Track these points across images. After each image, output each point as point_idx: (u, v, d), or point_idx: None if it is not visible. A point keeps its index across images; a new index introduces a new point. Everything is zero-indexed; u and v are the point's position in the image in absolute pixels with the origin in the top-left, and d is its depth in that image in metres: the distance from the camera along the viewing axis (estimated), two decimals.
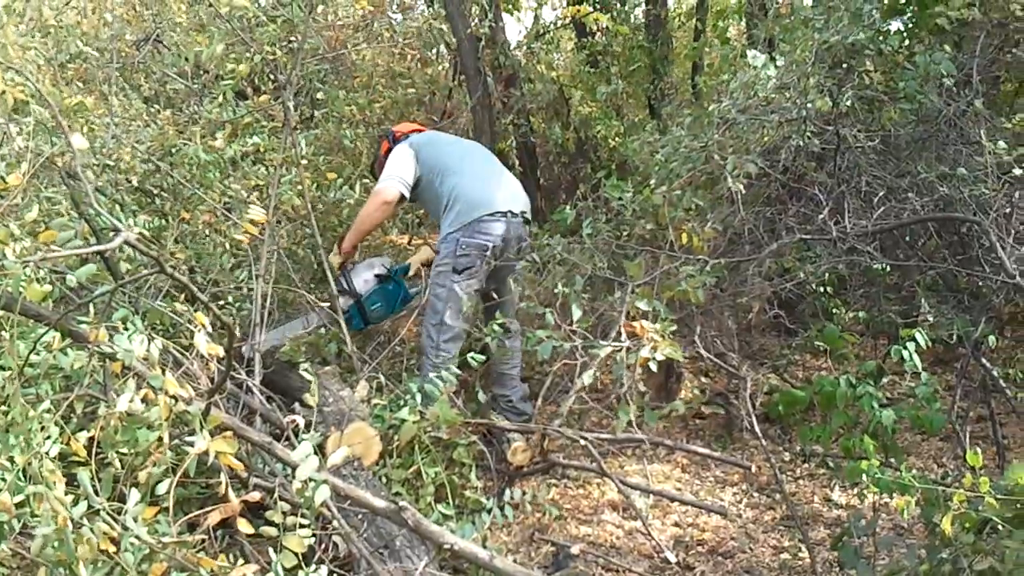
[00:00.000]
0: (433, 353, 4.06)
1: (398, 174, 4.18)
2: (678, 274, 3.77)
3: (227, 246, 3.90)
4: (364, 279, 4.31)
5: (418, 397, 3.45)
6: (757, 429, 3.54)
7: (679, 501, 3.77)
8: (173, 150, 4.00)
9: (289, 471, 2.27)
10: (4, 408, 2.40)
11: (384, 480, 3.28)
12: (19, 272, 1.98)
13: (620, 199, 4.11)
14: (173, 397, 2.03)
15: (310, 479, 2.04)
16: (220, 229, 3.90)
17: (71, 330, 2.24)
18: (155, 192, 3.96)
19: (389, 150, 4.40)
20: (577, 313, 3.23)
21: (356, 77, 7.17)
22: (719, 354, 4.09)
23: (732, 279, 4.31)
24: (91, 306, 2.47)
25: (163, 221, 3.84)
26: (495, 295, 4.20)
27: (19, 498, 1.73)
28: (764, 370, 4.91)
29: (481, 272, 4.09)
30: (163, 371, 2.13)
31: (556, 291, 3.81)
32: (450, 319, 4.06)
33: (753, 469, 4.06)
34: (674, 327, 3.17)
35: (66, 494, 1.81)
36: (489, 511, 3.28)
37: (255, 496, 2.17)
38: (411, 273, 4.51)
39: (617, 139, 7.58)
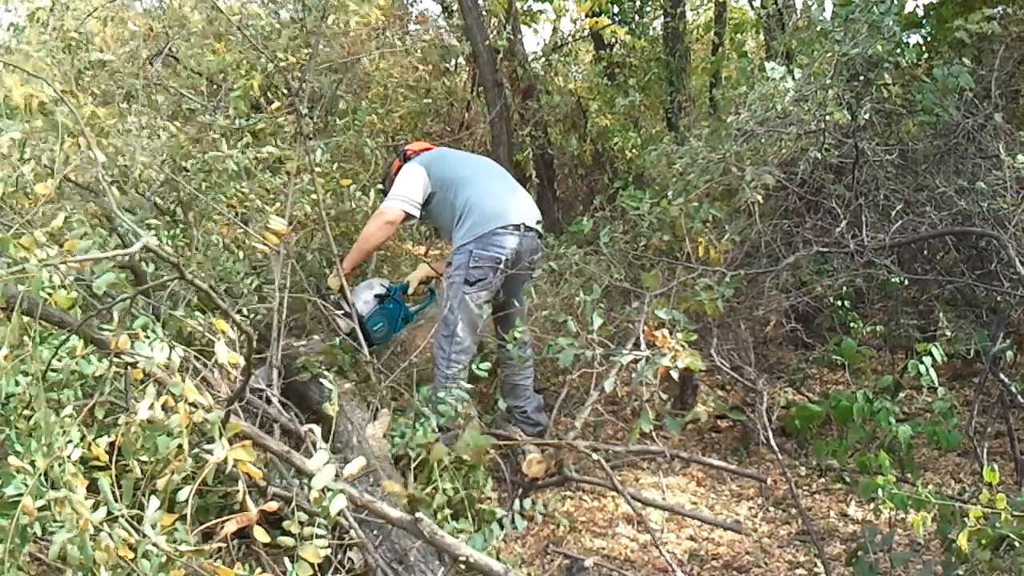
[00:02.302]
0: (444, 364, 4.07)
1: (404, 193, 4.17)
2: (695, 286, 3.77)
3: (241, 255, 3.92)
4: (364, 300, 4.26)
5: (432, 418, 3.45)
6: (773, 443, 3.53)
7: (693, 518, 3.76)
8: (188, 161, 4.02)
9: (306, 480, 2.28)
10: (27, 412, 2.43)
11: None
12: (41, 277, 1.99)
13: (637, 209, 4.12)
14: (193, 405, 2.04)
15: (326, 488, 2.05)
16: (237, 239, 3.92)
17: (93, 337, 2.26)
18: (171, 204, 3.99)
19: (400, 168, 4.40)
20: (597, 321, 3.23)
21: (371, 87, 7.23)
22: (735, 367, 4.08)
23: (749, 292, 4.31)
24: (114, 313, 2.49)
25: (178, 231, 3.87)
26: (506, 307, 4.21)
27: (41, 502, 1.75)
28: (780, 384, 4.89)
29: (493, 284, 4.09)
30: (183, 379, 2.15)
31: (574, 301, 3.82)
32: (462, 331, 4.07)
33: (769, 483, 4.06)
34: (694, 336, 3.17)
35: (86, 499, 1.82)
36: (501, 523, 3.28)
37: (272, 506, 2.18)
38: (410, 291, 4.48)
39: (634, 151, 7.59)
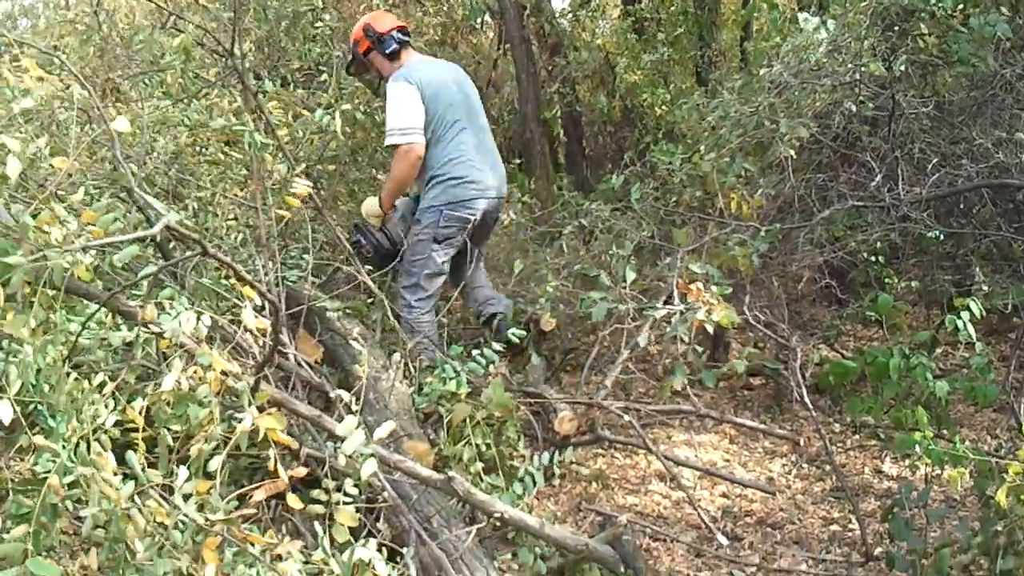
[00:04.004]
0: (407, 312, 4.12)
1: (408, 125, 4.04)
2: (727, 241, 3.73)
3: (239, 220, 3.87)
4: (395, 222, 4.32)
5: (462, 373, 3.48)
6: (807, 400, 3.50)
7: (726, 479, 3.75)
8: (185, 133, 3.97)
9: (338, 443, 2.28)
10: (53, 386, 2.45)
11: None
12: (61, 260, 1.99)
13: (669, 164, 4.06)
14: (223, 373, 2.05)
15: (357, 452, 2.05)
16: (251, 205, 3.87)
17: (120, 309, 2.27)
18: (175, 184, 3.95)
19: (370, 49, 4.24)
20: (630, 275, 3.20)
21: None
22: (768, 324, 4.04)
23: (782, 247, 4.26)
24: (142, 285, 2.50)
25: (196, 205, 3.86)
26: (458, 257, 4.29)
27: (70, 478, 1.76)
28: (814, 340, 4.84)
29: (459, 242, 4.15)
30: (211, 347, 2.15)
31: (603, 258, 3.79)
32: (425, 282, 4.13)
33: (802, 441, 4.03)
34: (728, 290, 3.13)
35: (117, 473, 1.83)
36: (534, 479, 3.28)
37: (302, 472, 2.18)
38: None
39: (663, 107, 7.50)
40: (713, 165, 3.95)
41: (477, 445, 3.33)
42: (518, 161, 7.12)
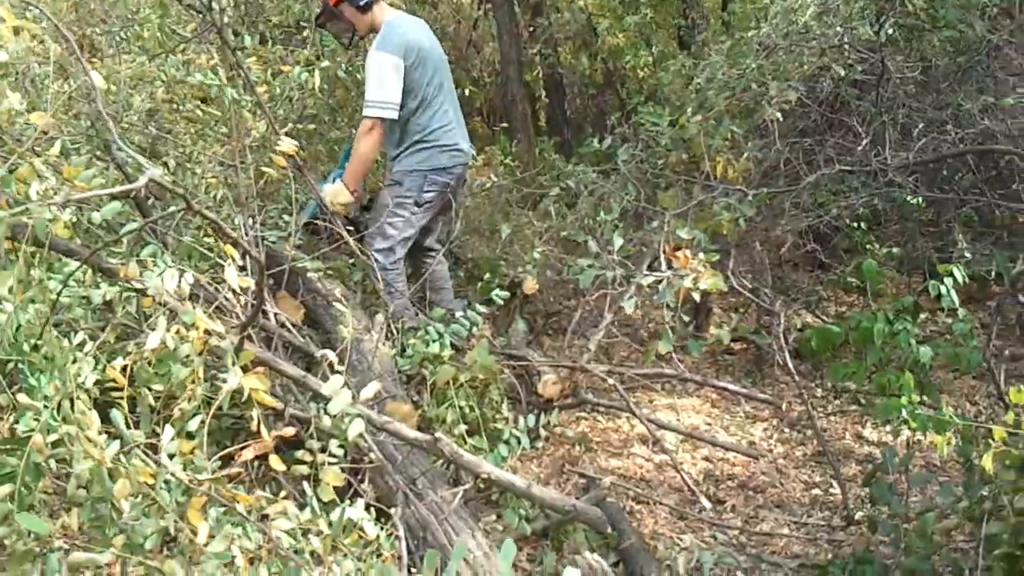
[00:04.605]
0: (382, 273, 3.99)
1: (383, 98, 3.90)
2: (713, 205, 3.70)
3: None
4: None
5: (446, 335, 3.46)
6: (791, 365, 3.50)
7: (710, 443, 3.76)
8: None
9: (323, 404, 2.25)
10: (38, 343, 2.40)
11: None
12: (43, 215, 1.94)
13: (656, 126, 4.01)
14: (207, 332, 2.00)
15: (343, 412, 2.02)
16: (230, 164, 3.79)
17: (102, 266, 2.21)
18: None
19: (340, 1, 4.04)
20: (618, 241, 3.16)
21: None
22: (751, 289, 4.03)
23: (767, 212, 4.24)
24: (123, 242, 2.45)
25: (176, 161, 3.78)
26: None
27: (53, 437, 1.71)
28: (796, 306, 4.85)
29: (436, 207, 4.12)
30: (194, 306, 2.10)
31: (587, 222, 3.76)
32: (398, 246, 4.08)
33: (783, 406, 4.05)
34: (716, 257, 3.10)
35: (102, 432, 1.79)
36: (519, 440, 3.27)
37: (288, 432, 2.15)
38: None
39: (646, 70, 7.44)
40: (699, 128, 3.91)
41: (461, 407, 3.31)
42: (503, 124, 7.05)
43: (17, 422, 1.81)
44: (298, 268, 3.68)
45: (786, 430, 4.01)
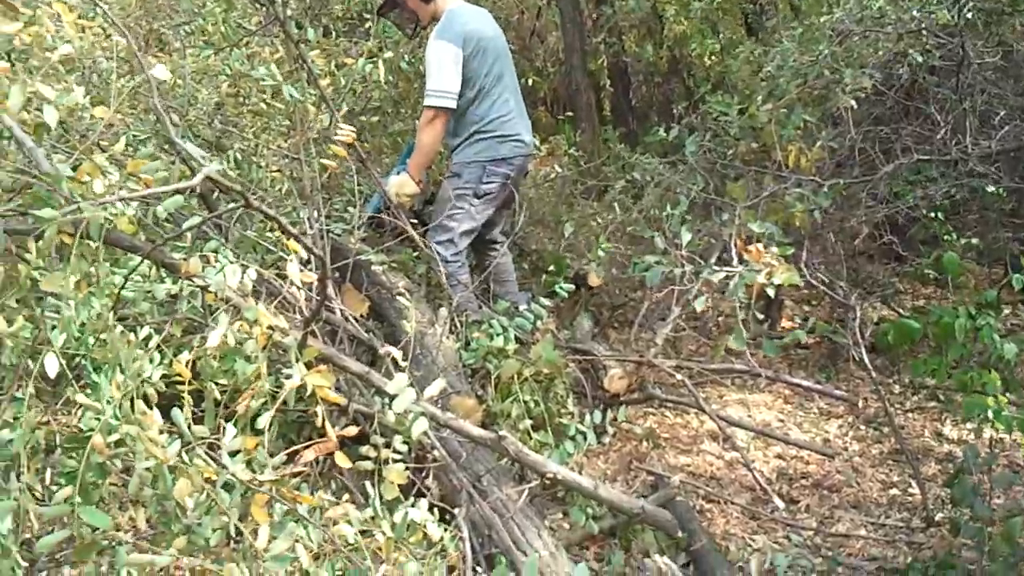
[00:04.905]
0: (445, 267, 3.93)
1: (443, 88, 3.86)
2: (785, 196, 3.59)
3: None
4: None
5: (510, 328, 3.40)
6: (867, 360, 3.38)
7: (782, 441, 3.65)
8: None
9: (387, 400, 2.21)
10: (102, 339, 2.40)
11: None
12: (99, 212, 1.92)
13: (726, 115, 3.90)
14: (270, 327, 1.98)
15: (407, 411, 1.97)
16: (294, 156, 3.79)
17: (164, 261, 2.20)
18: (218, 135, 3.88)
19: None
20: (686, 236, 3.04)
21: None
22: (825, 282, 3.90)
23: (841, 202, 4.10)
24: (187, 236, 2.44)
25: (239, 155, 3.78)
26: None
27: (116, 437, 1.70)
28: (872, 299, 4.69)
29: (497, 199, 4.04)
30: (258, 301, 2.08)
31: (654, 213, 3.66)
32: (459, 239, 4.02)
33: (859, 403, 3.92)
34: (790, 250, 2.98)
35: (163, 431, 1.77)
36: (585, 436, 3.20)
37: (352, 431, 2.12)
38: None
39: (713, 58, 7.29)
40: (770, 116, 3.79)
41: (525, 402, 3.26)
42: (567, 114, 6.98)
43: (81, 420, 1.80)
44: (362, 261, 3.67)
45: (862, 427, 3.88)
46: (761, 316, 4.38)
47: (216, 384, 2.15)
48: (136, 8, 5.22)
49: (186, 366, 2.03)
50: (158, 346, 2.42)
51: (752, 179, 3.80)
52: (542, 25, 8.20)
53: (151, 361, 2.42)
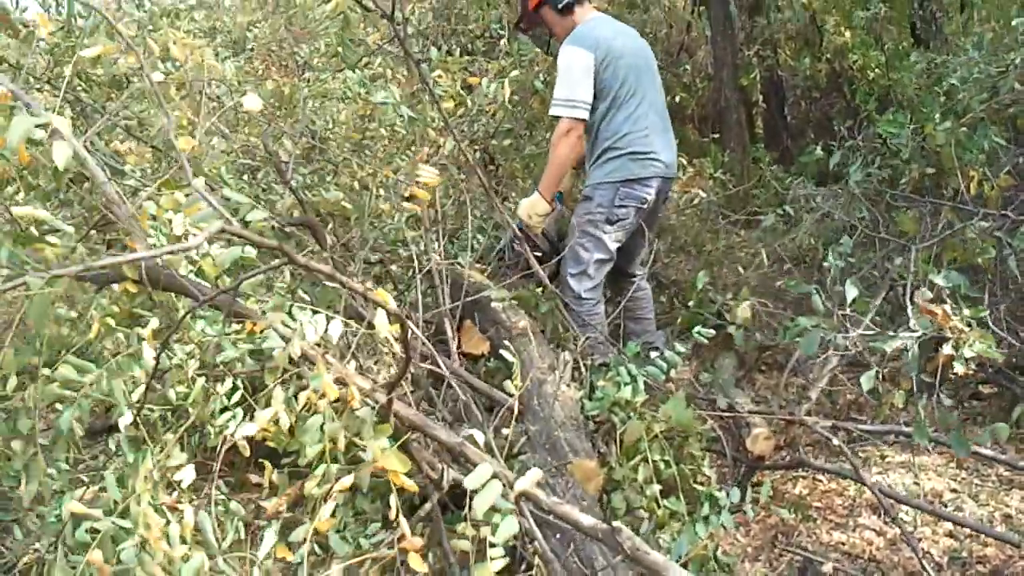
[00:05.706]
0: (576, 304, 3.71)
1: (574, 97, 3.63)
2: (965, 231, 3.09)
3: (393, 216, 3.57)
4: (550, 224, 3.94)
5: (639, 377, 3.03)
6: None
7: (954, 521, 3.13)
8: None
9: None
10: (183, 390, 2.21)
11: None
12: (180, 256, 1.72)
13: (897, 136, 3.41)
14: (341, 396, 1.69)
15: (494, 508, 1.64)
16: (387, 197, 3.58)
17: (238, 311, 1.96)
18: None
19: (541, 3, 3.79)
20: (851, 291, 2.53)
21: None
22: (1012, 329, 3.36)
23: None
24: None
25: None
26: (629, 243, 3.85)
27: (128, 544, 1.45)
28: None
29: (633, 225, 3.72)
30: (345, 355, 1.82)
31: (804, 243, 3.23)
32: (593, 270, 3.72)
33: None
34: (985, 312, 2.44)
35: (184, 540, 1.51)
36: (720, 513, 2.78)
37: (417, 542, 1.80)
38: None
39: (877, 71, 6.73)
40: (949, 137, 3.28)
41: (654, 462, 2.88)
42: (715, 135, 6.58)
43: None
44: (482, 299, 3.40)
45: None
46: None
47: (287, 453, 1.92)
48: (282, 31, 5.17)
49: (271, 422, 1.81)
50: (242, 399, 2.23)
51: (927, 211, 3.31)
52: (691, 39, 7.85)
53: (234, 417, 2.23)
